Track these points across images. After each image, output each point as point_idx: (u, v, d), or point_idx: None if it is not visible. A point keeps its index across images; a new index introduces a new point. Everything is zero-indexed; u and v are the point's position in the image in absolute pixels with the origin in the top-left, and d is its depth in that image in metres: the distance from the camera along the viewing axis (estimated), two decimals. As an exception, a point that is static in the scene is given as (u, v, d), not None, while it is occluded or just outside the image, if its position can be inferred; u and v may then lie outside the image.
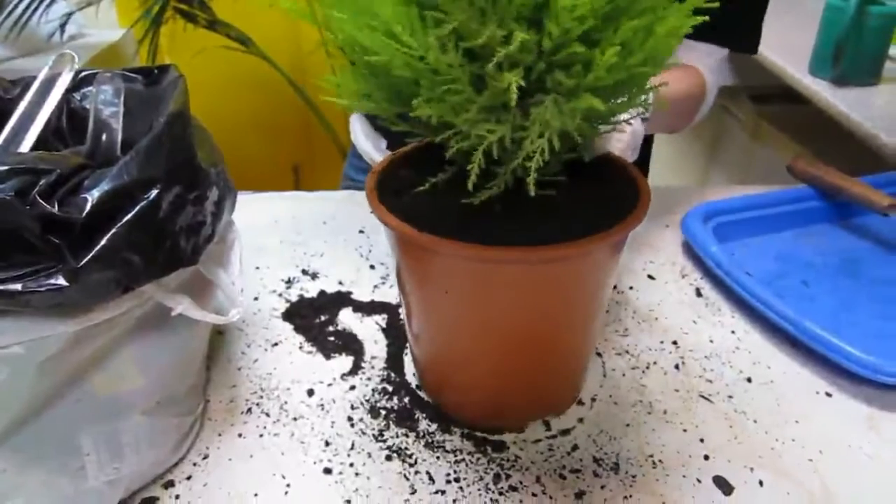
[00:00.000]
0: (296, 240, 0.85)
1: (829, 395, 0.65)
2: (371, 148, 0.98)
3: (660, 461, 0.58)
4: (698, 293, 0.78)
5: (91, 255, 0.44)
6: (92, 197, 0.45)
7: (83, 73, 0.64)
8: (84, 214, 0.44)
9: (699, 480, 0.56)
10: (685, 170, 2.51)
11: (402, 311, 0.73)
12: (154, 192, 0.48)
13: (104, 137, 0.59)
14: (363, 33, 0.48)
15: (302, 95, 2.08)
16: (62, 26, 1.85)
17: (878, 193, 0.85)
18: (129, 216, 0.46)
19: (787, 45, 1.65)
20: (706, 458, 0.58)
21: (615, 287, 0.78)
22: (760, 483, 0.56)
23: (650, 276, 0.80)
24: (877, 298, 0.77)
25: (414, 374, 0.66)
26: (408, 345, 0.69)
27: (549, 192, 0.53)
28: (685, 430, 0.61)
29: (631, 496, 0.55)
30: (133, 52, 1.99)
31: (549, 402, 0.62)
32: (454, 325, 0.57)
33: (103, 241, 0.45)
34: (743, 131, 2.14)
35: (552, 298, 0.54)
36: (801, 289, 0.79)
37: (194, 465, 0.57)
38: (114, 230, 0.45)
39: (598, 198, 0.55)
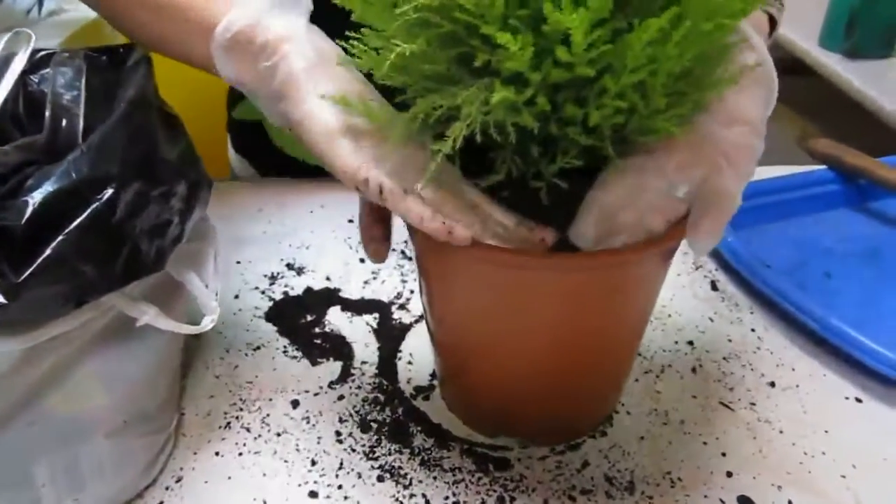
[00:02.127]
0: (281, 231, 0.79)
1: (859, 400, 0.60)
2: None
3: (679, 479, 0.53)
4: (714, 286, 0.72)
5: (33, 268, 0.38)
6: (33, 200, 0.39)
7: (41, 53, 0.58)
8: (24, 221, 0.38)
9: (722, 501, 0.51)
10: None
11: (416, 294, 0.68)
12: (108, 192, 0.42)
13: (64, 125, 0.53)
14: None
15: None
16: (40, 2, 1.77)
17: (905, 176, 0.79)
18: (79, 221, 0.40)
19: (796, 16, 1.58)
20: (729, 474, 0.53)
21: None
22: (790, 503, 0.51)
23: (661, 268, 0.74)
24: (906, 291, 0.72)
25: (408, 382, 0.60)
26: (402, 347, 0.64)
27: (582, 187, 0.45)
28: (705, 443, 0.56)
29: (648, 520, 0.50)
30: (111, 31, 1.91)
31: (567, 419, 0.56)
32: (477, 320, 0.51)
33: (48, 252, 0.39)
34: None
35: (585, 309, 0.48)
36: (824, 281, 0.73)
37: (167, 489, 0.52)
38: (60, 238, 0.40)
39: None
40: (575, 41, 0.34)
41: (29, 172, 0.42)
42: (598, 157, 0.44)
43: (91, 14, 1.94)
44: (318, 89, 0.46)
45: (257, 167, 0.94)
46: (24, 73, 0.56)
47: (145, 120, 0.48)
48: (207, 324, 0.52)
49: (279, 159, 0.88)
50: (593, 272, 0.46)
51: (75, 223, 0.40)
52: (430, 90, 0.41)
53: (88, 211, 0.41)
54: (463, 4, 0.35)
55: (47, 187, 0.40)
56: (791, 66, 1.72)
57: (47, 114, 0.52)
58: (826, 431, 0.57)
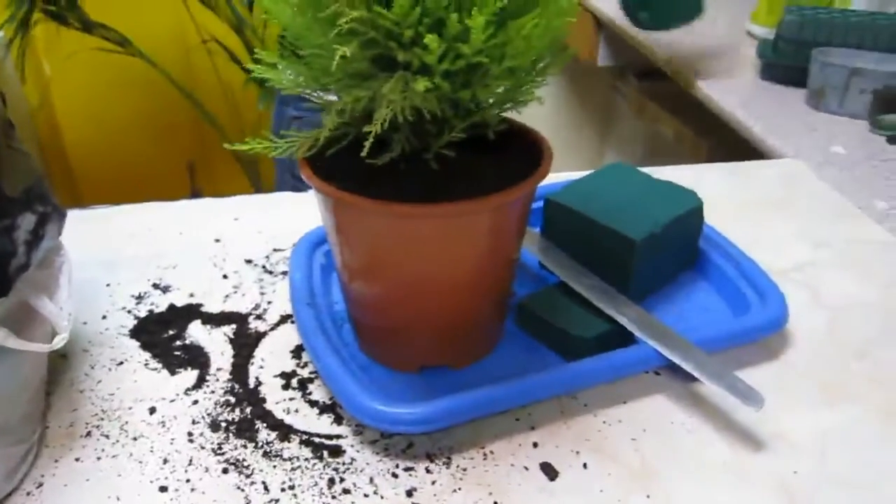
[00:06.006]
0: (149, 252, 0.84)
1: (657, 373, 0.69)
2: None
3: (491, 452, 0.60)
4: (545, 282, 0.80)
5: None
6: None
7: None
8: None
9: (526, 468, 0.59)
10: (580, 153, 2.56)
11: (272, 305, 0.74)
12: (-54, 229, 0.48)
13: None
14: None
15: (185, 93, 2.04)
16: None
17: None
18: (-83, 256, 0.46)
19: None
20: (535, 445, 0.61)
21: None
22: (585, 465, 0.59)
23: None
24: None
25: (259, 384, 0.67)
26: (255, 353, 0.70)
27: (463, 157, 0.59)
28: (517, 420, 0.63)
29: (460, 489, 0.57)
30: (3, 55, 1.92)
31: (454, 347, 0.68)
32: (377, 270, 0.63)
33: None
34: (629, 109, 2.21)
35: (461, 249, 0.60)
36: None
37: (28, 494, 0.57)
38: None
39: (504, 159, 0.62)
40: (475, 39, 0.47)
41: None
42: (478, 128, 0.58)
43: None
44: None
45: None
46: None
47: (-16, 162, 0.53)
48: (58, 342, 0.57)
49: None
50: (465, 217, 0.58)
51: (-87, 259, 0.46)
52: (351, 86, 0.53)
53: (-74, 247, 0.46)
54: (387, 16, 0.48)
55: None
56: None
57: None
58: (624, 402, 0.65)
